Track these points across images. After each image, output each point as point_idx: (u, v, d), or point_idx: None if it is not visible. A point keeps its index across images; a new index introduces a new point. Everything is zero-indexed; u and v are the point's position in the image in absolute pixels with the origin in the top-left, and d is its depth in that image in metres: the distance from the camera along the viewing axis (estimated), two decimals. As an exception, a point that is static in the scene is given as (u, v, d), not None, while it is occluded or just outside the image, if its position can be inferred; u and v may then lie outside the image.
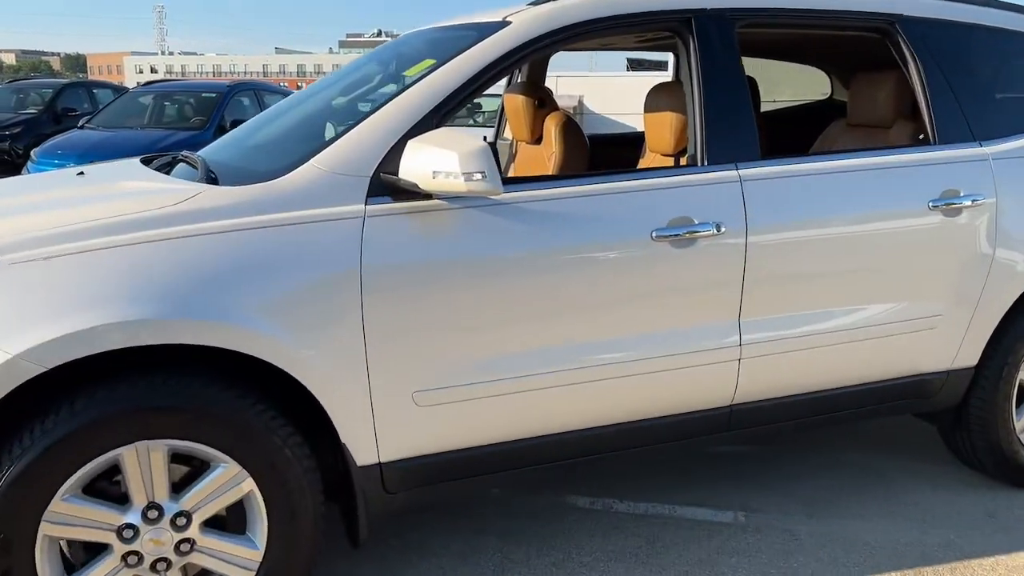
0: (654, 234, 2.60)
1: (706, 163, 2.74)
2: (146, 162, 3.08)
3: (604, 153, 4.31)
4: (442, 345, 2.42)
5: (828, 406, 3.03)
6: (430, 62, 2.62)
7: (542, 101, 3.84)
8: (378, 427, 2.40)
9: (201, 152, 3.06)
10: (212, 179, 2.51)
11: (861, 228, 2.88)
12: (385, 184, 2.37)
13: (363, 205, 2.34)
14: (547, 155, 3.81)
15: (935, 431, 3.64)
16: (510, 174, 4.13)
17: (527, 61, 2.73)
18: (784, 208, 2.77)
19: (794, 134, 4.53)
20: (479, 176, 2.24)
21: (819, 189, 2.84)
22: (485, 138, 4.59)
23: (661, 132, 3.10)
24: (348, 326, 2.29)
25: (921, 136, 3.14)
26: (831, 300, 2.88)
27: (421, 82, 2.51)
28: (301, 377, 2.26)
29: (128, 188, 2.55)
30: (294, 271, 2.23)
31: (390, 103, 2.47)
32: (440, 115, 2.47)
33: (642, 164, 3.37)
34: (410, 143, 2.34)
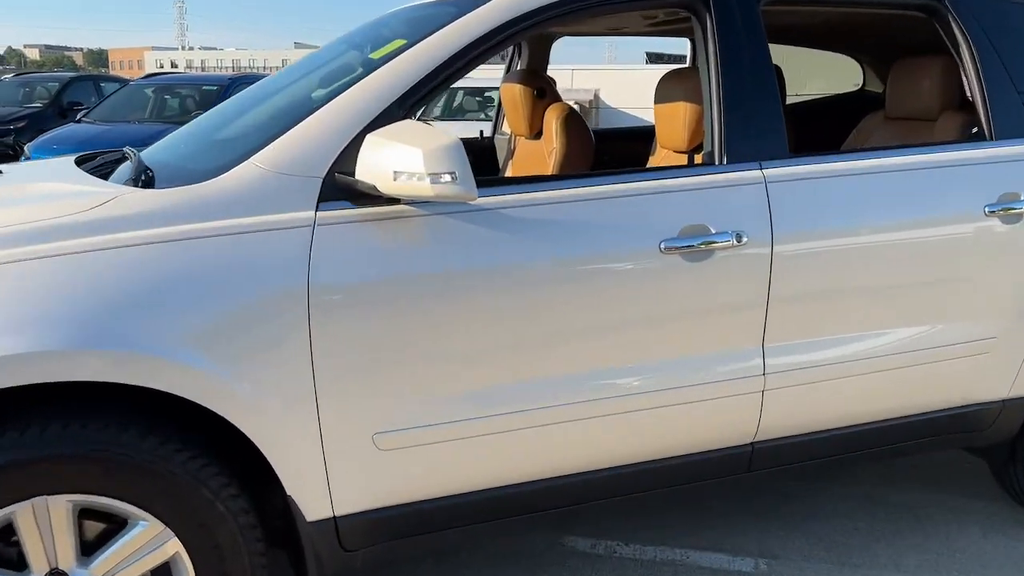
0: (663, 245, 2.20)
1: (725, 161, 2.34)
2: (89, 159, 2.71)
3: (611, 149, 3.90)
4: (408, 378, 2.03)
5: (865, 442, 2.62)
6: (400, 42, 2.23)
7: (542, 91, 3.45)
8: (332, 475, 2.02)
9: (152, 147, 2.69)
10: (147, 180, 2.14)
11: (905, 237, 2.47)
12: (341, 187, 1.99)
13: (313, 212, 1.96)
14: (547, 151, 3.42)
15: (984, 466, 3.22)
16: (508, 171, 3.74)
17: (517, 41, 2.33)
18: (816, 214, 2.37)
19: (822, 130, 4.11)
20: (448, 178, 1.86)
21: (856, 192, 2.43)
22: (483, 133, 4.21)
23: (673, 126, 2.70)
24: (292, 357, 1.92)
25: (975, 130, 2.72)
26: (869, 321, 2.48)
27: (386, 66, 2.12)
28: (235, 418, 1.88)
29: (37, 191, 2.18)
30: (224, 292, 1.85)
31: (348, 91, 2.08)
32: (408, 105, 2.09)
33: (652, 163, 2.97)
34: (368, 138, 1.96)
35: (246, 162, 1.99)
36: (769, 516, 3.11)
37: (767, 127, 2.37)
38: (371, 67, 2.16)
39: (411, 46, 2.15)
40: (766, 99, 2.38)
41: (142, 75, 16.17)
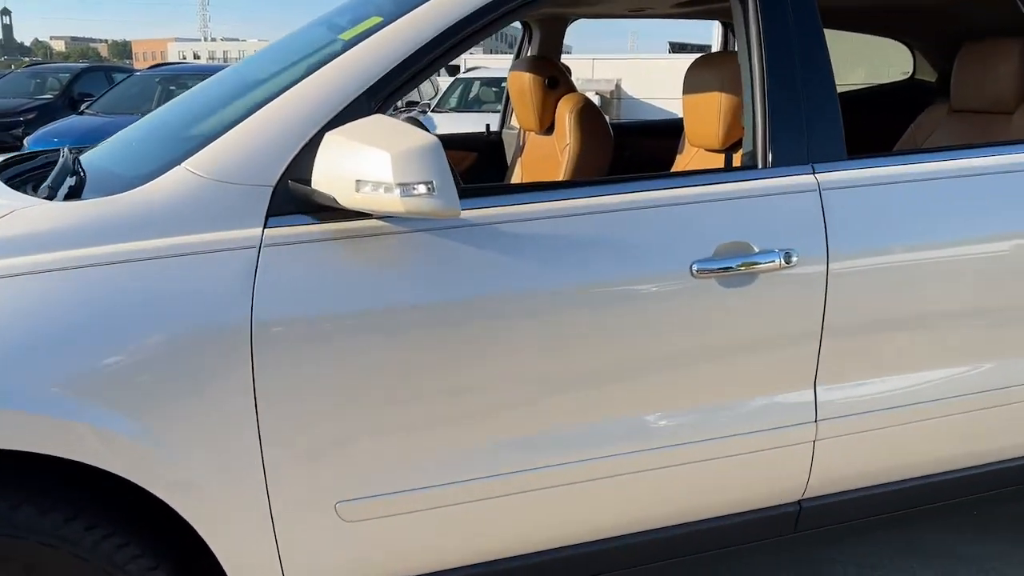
0: (695, 267, 1.80)
1: (770, 163, 1.93)
2: (19, 161, 2.33)
3: (632, 145, 3.49)
4: (380, 434, 1.65)
5: (935, 494, 2.21)
6: (376, 20, 1.84)
7: (554, 80, 3.04)
8: (285, 554, 1.64)
9: (100, 145, 2.31)
10: (73, 189, 1.77)
11: (992, 252, 2.05)
12: (297, 197, 1.61)
13: (260, 229, 1.58)
14: (560, 148, 3.02)
15: None
16: (517, 170, 3.34)
17: (517, 18, 1.94)
18: (880, 226, 1.96)
19: (868, 125, 3.67)
20: (423, 189, 1.46)
21: (930, 199, 2.01)
22: (489, 127, 3.78)
23: (705, 120, 2.29)
24: (229, 412, 1.53)
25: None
26: (947, 355, 2.06)
27: (355, 49, 1.73)
28: (160, 491, 1.51)
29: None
30: (141, 331, 1.47)
31: (307, 79, 1.70)
32: (381, 96, 1.69)
33: (679, 164, 2.56)
34: (327, 137, 1.56)
35: (177, 168, 1.61)
36: (805, 565, 2.70)
37: (822, 123, 1.96)
38: (339, 51, 1.77)
39: (387, 24, 1.76)
40: (821, 89, 1.97)
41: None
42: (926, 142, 2.82)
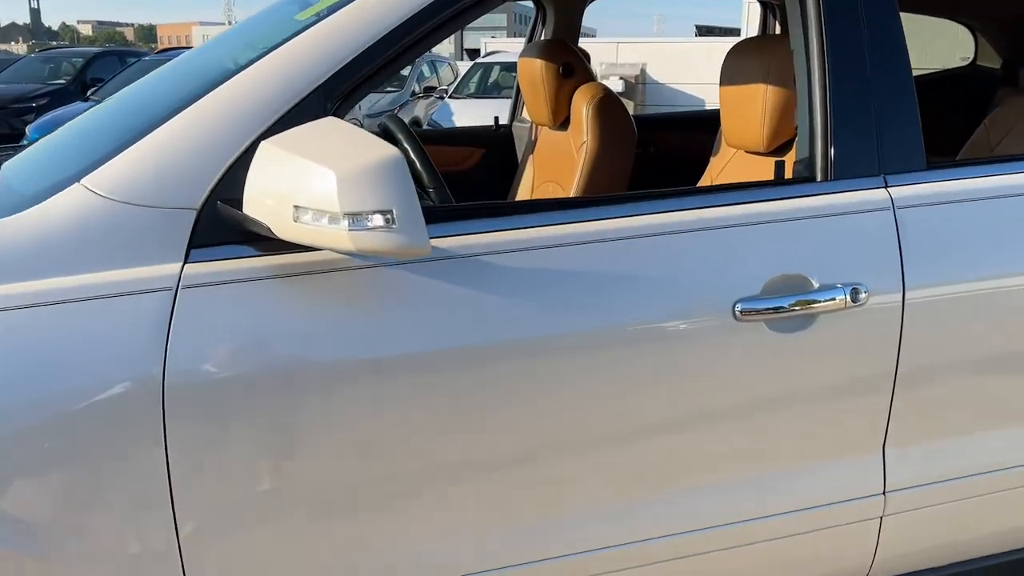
0: (739, 308, 1.43)
1: (832, 175, 1.55)
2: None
3: (658, 141, 3.09)
4: (336, 524, 1.30)
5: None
6: (338, -3, 1.47)
7: (569, 68, 2.65)
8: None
9: (28, 150, 1.96)
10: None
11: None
12: (228, 224, 1.25)
13: (179, 264, 1.22)
14: (576, 145, 2.64)
15: None
16: (527, 170, 2.96)
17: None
18: (971, 254, 1.57)
19: (924, 119, 3.26)
20: (379, 219, 1.10)
21: (1029, 219, 1.62)
22: (498, 120, 3.36)
23: (748, 118, 1.90)
24: (136, 501, 1.19)
25: None
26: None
27: (309, 32, 1.37)
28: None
29: None
30: (13, 401, 1.13)
31: (246, 71, 1.33)
32: (340, 94, 1.33)
33: (714, 168, 2.18)
34: (262, 147, 1.20)
35: (74, 186, 1.25)
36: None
37: (897, 123, 1.57)
38: (292, 34, 1.41)
39: (346, 3, 1.39)
40: (896, 80, 1.58)
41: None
42: (1001, 144, 2.42)
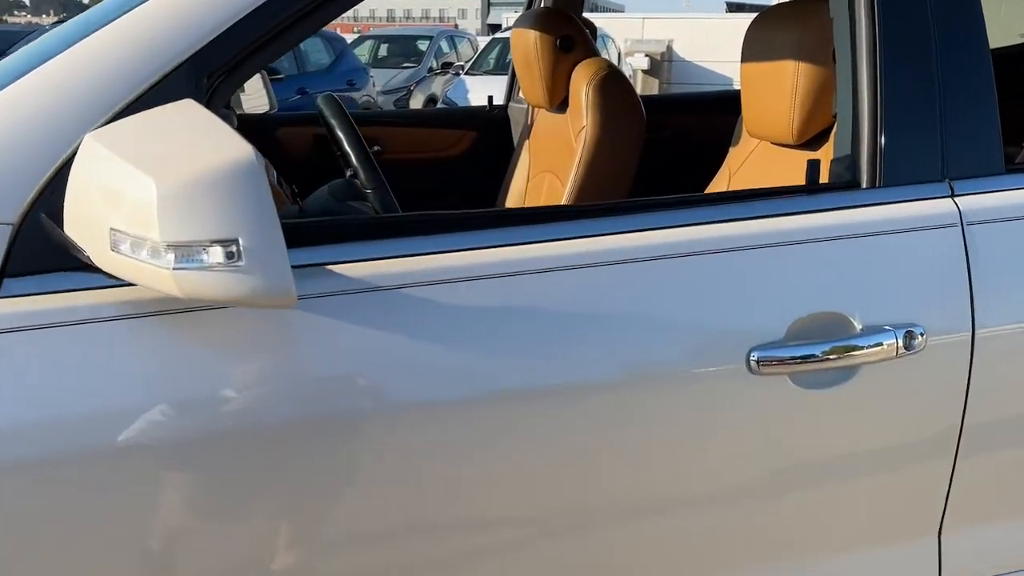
0: (755, 357, 1.08)
1: (880, 181, 1.19)
2: None
3: (671, 124, 2.69)
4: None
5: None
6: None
7: (568, 41, 2.28)
8: None
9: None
10: None
11: None
12: (56, 244, 0.92)
13: (-15, 302, 0.90)
14: (574, 131, 2.28)
15: None
16: (522, 156, 2.60)
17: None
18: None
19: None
20: (218, 255, 0.76)
21: None
22: (492, 100, 2.94)
23: (774, 102, 1.53)
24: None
25: None
26: None
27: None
28: None
29: None
30: None
31: (89, 38, 1.00)
32: (221, 69, 0.99)
33: (732, 161, 1.80)
34: (84, 142, 0.86)
35: None
36: None
37: (967, 115, 1.21)
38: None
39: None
40: (967, 61, 1.21)
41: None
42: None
